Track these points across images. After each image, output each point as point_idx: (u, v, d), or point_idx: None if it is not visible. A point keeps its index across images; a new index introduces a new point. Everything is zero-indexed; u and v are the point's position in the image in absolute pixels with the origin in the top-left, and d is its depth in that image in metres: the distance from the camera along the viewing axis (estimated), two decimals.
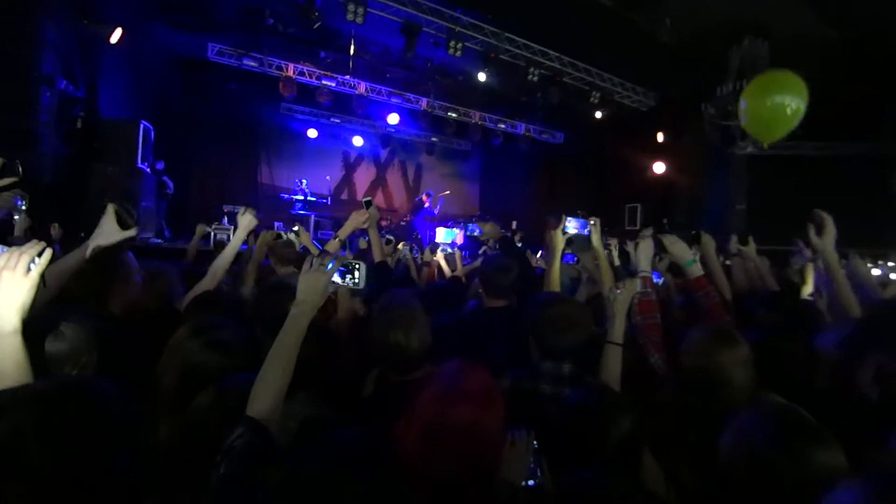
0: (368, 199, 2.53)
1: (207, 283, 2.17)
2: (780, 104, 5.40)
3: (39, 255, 1.10)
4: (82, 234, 5.11)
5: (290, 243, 3.11)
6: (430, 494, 1.06)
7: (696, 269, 1.99)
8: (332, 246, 2.38)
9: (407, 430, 1.18)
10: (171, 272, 2.19)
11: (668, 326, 1.90)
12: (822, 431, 0.96)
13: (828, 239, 2.05)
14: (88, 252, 1.61)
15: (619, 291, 1.69)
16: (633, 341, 1.81)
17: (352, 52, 8.79)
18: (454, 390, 1.19)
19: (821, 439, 0.95)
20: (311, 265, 1.25)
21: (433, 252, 4.71)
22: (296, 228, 3.54)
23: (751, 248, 2.89)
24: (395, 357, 1.52)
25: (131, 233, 1.65)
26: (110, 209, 1.67)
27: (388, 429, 1.19)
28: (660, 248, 2.05)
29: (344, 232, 2.42)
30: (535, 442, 1.15)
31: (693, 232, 2.63)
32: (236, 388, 1.15)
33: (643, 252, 1.97)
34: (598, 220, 2.29)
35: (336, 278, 1.32)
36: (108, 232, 1.65)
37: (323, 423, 1.30)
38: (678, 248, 2.02)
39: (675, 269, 2.75)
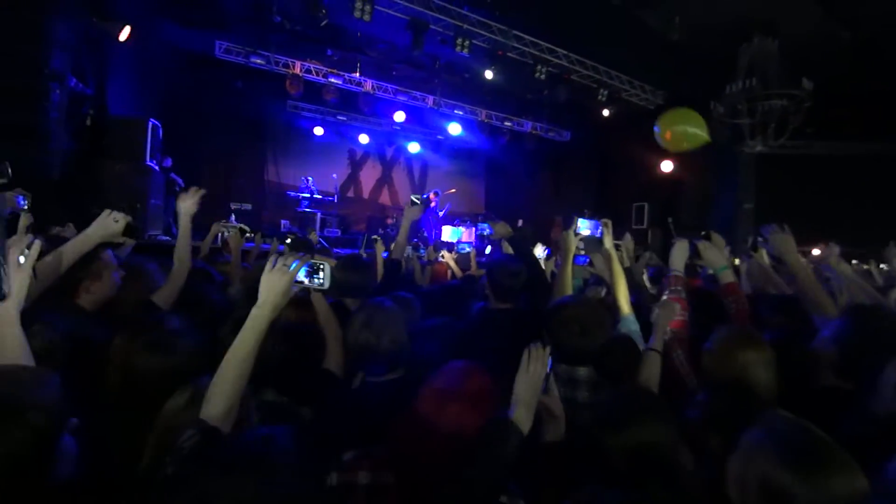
0: (421, 196, 2.60)
1: (178, 267, 2.14)
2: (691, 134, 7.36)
3: (29, 247, 1.11)
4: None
5: (303, 242, 3.11)
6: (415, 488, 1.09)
7: (728, 276, 2.03)
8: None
9: (402, 427, 1.20)
10: (151, 267, 2.18)
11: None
12: (839, 453, 0.90)
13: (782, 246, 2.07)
14: (90, 247, 1.64)
15: (661, 309, 1.78)
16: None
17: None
18: (449, 392, 1.22)
19: (840, 463, 0.88)
20: (274, 265, 1.21)
21: (437, 250, 4.72)
22: (289, 241, 3.53)
23: (760, 256, 2.91)
24: (367, 358, 1.55)
25: (130, 241, 1.70)
26: (122, 220, 1.76)
27: (366, 426, 1.21)
28: (694, 252, 2.11)
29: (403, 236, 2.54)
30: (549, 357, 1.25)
31: (703, 232, 2.64)
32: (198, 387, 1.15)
33: (678, 253, 2.05)
34: (609, 222, 2.28)
35: (301, 278, 1.29)
36: (113, 233, 1.75)
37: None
38: (712, 253, 2.08)
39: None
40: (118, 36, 6.64)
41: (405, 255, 4.19)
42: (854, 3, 6.87)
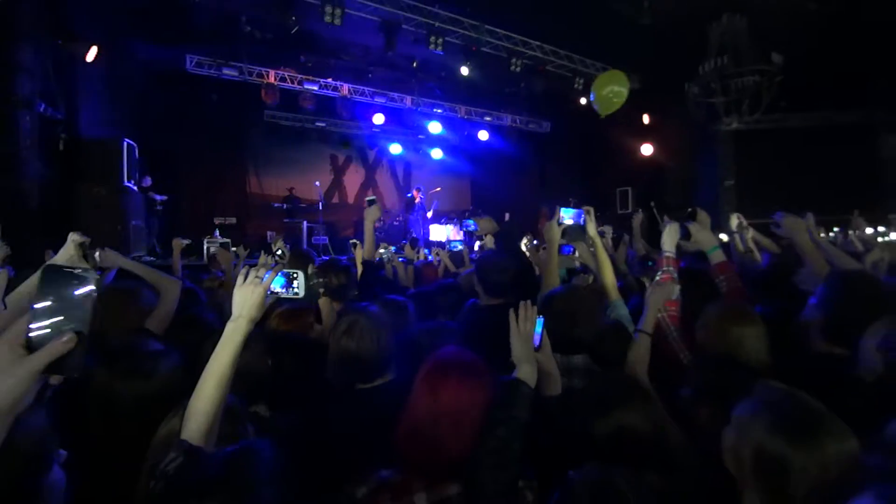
0: (372, 198, 2.57)
1: (166, 295, 2.12)
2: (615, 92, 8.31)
3: None
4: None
5: (299, 256, 3.08)
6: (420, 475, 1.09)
7: (718, 255, 2.09)
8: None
9: (405, 416, 1.20)
10: (144, 291, 2.12)
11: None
12: (830, 418, 0.92)
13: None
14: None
15: (655, 288, 1.81)
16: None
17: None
18: (444, 366, 1.23)
19: (831, 427, 0.90)
20: (246, 277, 1.20)
21: (413, 247, 4.69)
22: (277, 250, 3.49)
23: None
24: (351, 365, 1.54)
25: (87, 269, 1.64)
26: (73, 242, 1.67)
27: (356, 435, 1.20)
28: (685, 234, 2.15)
29: (369, 237, 2.50)
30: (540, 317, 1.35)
31: (689, 209, 2.67)
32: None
33: (669, 235, 2.09)
34: (592, 209, 2.30)
35: (276, 288, 1.27)
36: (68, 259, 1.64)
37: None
38: (703, 235, 2.14)
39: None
40: (86, 57, 6.52)
41: (386, 257, 4.19)
42: None
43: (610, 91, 8.34)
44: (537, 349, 1.34)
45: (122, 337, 1.82)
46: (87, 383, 1.32)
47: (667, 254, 2.05)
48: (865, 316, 1.41)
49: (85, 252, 1.72)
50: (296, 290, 1.32)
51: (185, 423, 1.02)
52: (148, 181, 7.97)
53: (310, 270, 1.49)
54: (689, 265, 2.38)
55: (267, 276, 1.21)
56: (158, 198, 8.18)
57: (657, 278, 2.00)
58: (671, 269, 2.01)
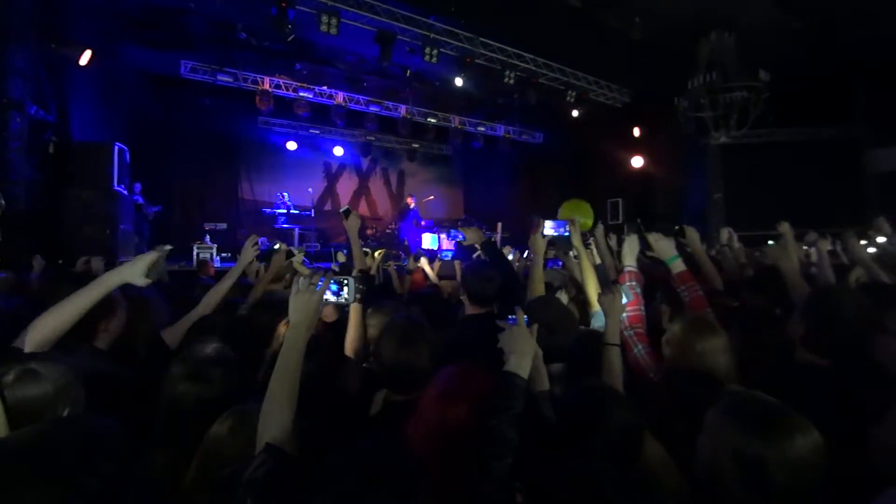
0: (346, 208, 2.55)
1: (201, 311, 2.11)
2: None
3: None
4: (60, 262, 5.00)
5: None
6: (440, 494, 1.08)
7: (678, 265, 2.06)
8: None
9: (414, 435, 1.21)
10: (156, 299, 2.11)
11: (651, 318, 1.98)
12: (795, 416, 0.97)
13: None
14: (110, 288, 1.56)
15: (610, 296, 1.75)
16: (620, 333, 1.85)
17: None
18: (455, 392, 1.24)
19: (798, 424, 0.95)
20: (300, 286, 1.25)
21: (417, 260, 4.74)
22: (276, 246, 3.48)
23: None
24: (405, 376, 1.50)
25: (148, 281, 1.61)
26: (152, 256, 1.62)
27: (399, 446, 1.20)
28: (645, 245, 2.12)
29: (356, 248, 2.50)
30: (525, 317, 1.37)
31: (677, 227, 2.71)
32: (252, 413, 1.14)
33: (629, 248, 2.05)
34: (576, 220, 2.32)
35: (328, 295, 1.32)
36: (135, 273, 1.58)
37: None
38: (662, 245, 2.10)
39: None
40: (79, 60, 6.50)
41: (384, 264, 4.20)
42: None
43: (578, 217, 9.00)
44: None
45: (140, 345, 1.82)
46: (128, 390, 1.35)
47: (628, 268, 2.01)
48: (844, 330, 1.45)
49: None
50: (346, 295, 1.38)
51: (261, 431, 1.05)
52: (138, 187, 7.92)
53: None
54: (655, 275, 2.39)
55: (321, 283, 1.27)
56: (151, 210, 8.11)
57: (605, 288, 1.97)
58: (634, 283, 1.96)
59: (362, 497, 0.74)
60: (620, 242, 2.11)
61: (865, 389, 1.31)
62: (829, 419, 0.99)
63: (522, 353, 1.29)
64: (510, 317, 1.40)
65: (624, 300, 1.80)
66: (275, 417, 1.06)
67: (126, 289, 1.71)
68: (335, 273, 1.39)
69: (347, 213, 2.48)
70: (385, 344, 1.53)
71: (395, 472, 0.78)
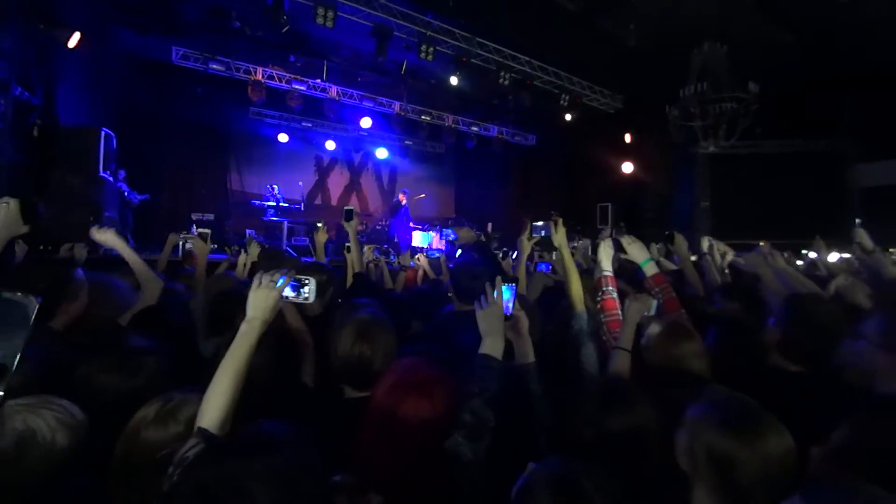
0: (349, 209, 2.58)
1: (146, 300, 2.10)
2: None
3: None
4: (41, 247, 4.91)
5: (272, 256, 3.03)
6: (390, 484, 1.11)
7: (651, 268, 2.11)
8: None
9: (366, 425, 1.23)
10: (118, 284, 2.10)
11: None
12: (770, 418, 1.01)
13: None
14: None
15: (632, 303, 1.80)
16: (598, 336, 1.93)
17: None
18: (405, 383, 1.25)
19: (771, 425, 1.00)
20: (261, 282, 1.27)
21: (412, 256, 4.73)
22: (246, 240, 3.44)
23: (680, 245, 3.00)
24: (359, 372, 1.49)
25: (24, 229, 1.59)
26: (14, 203, 1.57)
27: (346, 444, 1.23)
28: (619, 249, 2.16)
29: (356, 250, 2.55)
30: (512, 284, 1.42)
31: (667, 232, 2.79)
32: (180, 402, 1.16)
33: (604, 252, 2.08)
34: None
35: (288, 293, 1.33)
36: (10, 224, 1.56)
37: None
38: (634, 248, 2.15)
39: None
40: (67, 43, 6.37)
41: (374, 260, 4.19)
42: (793, 6, 7.31)
43: None
44: (508, 317, 1.40)
45: (94, 328, 1.80)
46: (70, 375, 1.32)
47: (605, 273, 2.03)
48: (819, 337, 1.49)
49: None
50: (306, 295, 1.38)
51: (201, 416, 1.07)
52: (122, 174, 7.78)
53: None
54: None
55: (281, 280, 1.28)
56: (137, 199, 7.96)
57: (632, 294, 2.02)
58: (611, 288, 1.99)
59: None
60: (595, 248, 2.16)
61: (833, 398, 1.36)
62: (799, 425, 1.02)
63: (494, 333, 1.32)
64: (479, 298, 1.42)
65: (652, 311, 1.83)
66: (213, 406, 1.08)
67: (90, 273, 1.70)
68: (295, 273, 1.39)
69: (350, 214, 2.51)
70: (339, 337, 1.53)
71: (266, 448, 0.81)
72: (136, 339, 1.49)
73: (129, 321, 1.99)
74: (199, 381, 1.17)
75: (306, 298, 1.39)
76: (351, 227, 2.47)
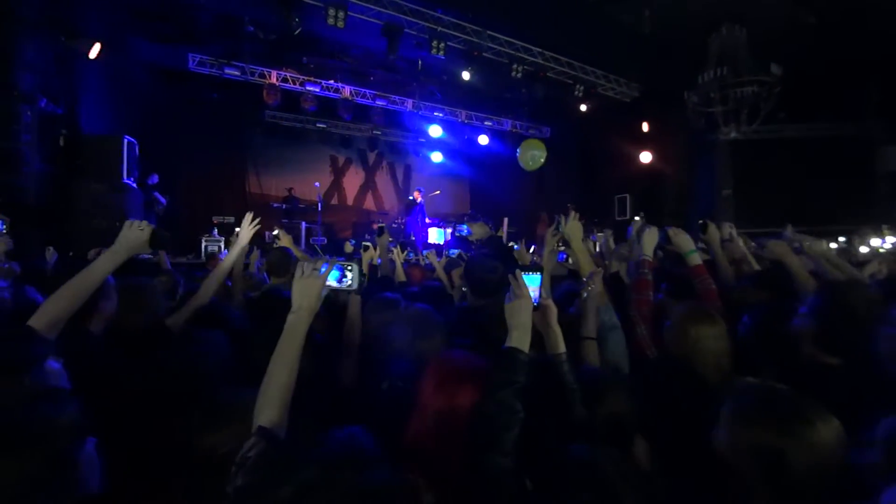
0: (381, 225, 2.68)
1: (201, 298, 2.15)
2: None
3: None
4: (70, 254, 5.06)
5: (285, 254, 3.06)
6: (441, 482, 1.08)
7: (695, 259, 2.16)
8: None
9: (417, 421, 1.22)
10: (153, 286, 2.13)
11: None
12: (814, 405, 0.96)
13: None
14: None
15: (587, 293, 1.84)
16: (626, 315, 1.96)
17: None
18: (455, 374, 1.25)
19: (817, 413, 0.94)
20: (304, 271, 1.26)
21: (439, 256, 4.76)
22: (276, 233, 3.53)
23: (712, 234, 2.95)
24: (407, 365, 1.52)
25: (147, 250, 1.67)
26: (147, 228, 1.64)
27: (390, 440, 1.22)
28: (664, 238, 2.22)
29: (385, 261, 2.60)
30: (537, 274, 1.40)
31: (701, 221, 2.75)
32: (226, 404, 1.17)
33: (648, 239, 2.15)
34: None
35: (330, 281, 1.32)
36: (141, 245, 1.64)
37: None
38: (681, 238, 2.21)
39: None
40: (88, 53, 6.53)
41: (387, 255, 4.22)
42: None
43: (530, 155, 11.15)
44: (536, 307, 1.38)
45: (139, 331, 1.84)
46: (119, 377, 1.37)
47: (644, 257, 2.11)
48: (859, 326, 1.43)
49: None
50: (349, 282, 1.38)
51: (258, 414, 1.06)
52: (155, 179, 7.98)
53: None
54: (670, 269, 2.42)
55: (324, 269, 1.27)
56: (161, 201, 8.16)
57: (635, 279, 2.08)
58: (647, 270, 2.07)
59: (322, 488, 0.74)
60: (640, 232, 2.19)
61: (875, 391, 1.30)
62: (841, 421, 0.97)
63: (521, 325, 1.29)
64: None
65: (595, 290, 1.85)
66: (269, 403, 1.07)
67: (119, 277, 1.75)
68: (337, 261, 1.40)
69: (381, 230, 2.60)
70: (397, 334, 1.57)
71: (355, 464, 0.78)
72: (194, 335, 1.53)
73: (185, 320, 2.04)
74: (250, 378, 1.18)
75: (350, 286, 1.39)
76: (381, 242, 2.55)
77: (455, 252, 5.27)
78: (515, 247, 3.61)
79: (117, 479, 1.07)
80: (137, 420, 1.28)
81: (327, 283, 1.29)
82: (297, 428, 1.08)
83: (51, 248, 3.54)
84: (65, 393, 1.13)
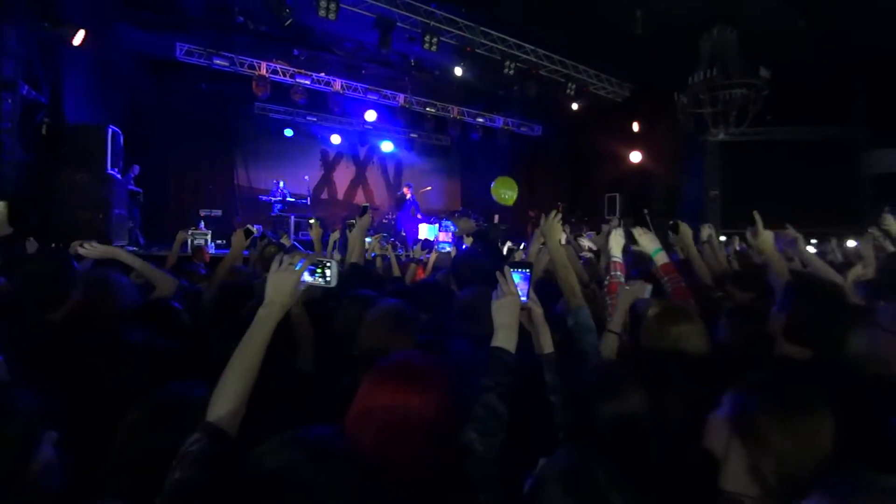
0: (366, 206, 2.63)
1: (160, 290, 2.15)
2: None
3: None
4: (53, 245, 4.96)
5: (279, 249, 3.03)
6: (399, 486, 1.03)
7: (661, 258, 2.16)
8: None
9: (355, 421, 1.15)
10: (118, 277, 2.07)
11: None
12: (813, 394, 0.99)
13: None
14: None
15: (627, 288, 1.87)
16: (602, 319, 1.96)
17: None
18: (384, 376, 1.12)
19: (816, 403, 0.98)
20: (280, 264, 1.22)
21: (423, 249, 4.74)
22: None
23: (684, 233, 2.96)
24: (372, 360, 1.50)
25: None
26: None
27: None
28: (630, 239, 2.22)
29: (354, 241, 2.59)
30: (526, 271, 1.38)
31: (671, 222, 2.80)
32: (180, 395, 1.14)
33: (615, 241, 2.15)
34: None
35: (307, 277, 1.28)
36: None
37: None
38: (645, 238, 2.21)
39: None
40: (72, 40, 6.38)
41: (380, 250, 4.20)
42: None
43: (504, 193, 11.98)
44: (525, 305, 1.35)
45: (104, 321, 1.80)
46: (81, 370, 1.33)
47: (614, 259, 2.12)
48: (826, 318, 1.46)
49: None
50: (327, 278, 1.34)
51: (213, 406, 1.02)
52: (136, 170, 7.83)
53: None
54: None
55: (301, 264, 1.23)
56: (139, 191, 7.99)
57: (607, 283, 2.09)
58: (619, 273, 2.08)
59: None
60: (608, 234, 2.20)
61: (847, 386, 1.32)
62: None
63: (507, 325, 1.26)
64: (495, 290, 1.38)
65: (646, 295, 1.89)
66: (223, 398, 1.03)
67: (95, 269, 1.72)
68: (316, 256, 1.36)
69: (364, 210, 2.55)
70: (364, 326, 1.55)
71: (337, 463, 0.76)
72: (134, 333, 1.49)
73: (137, 312, 1.96)
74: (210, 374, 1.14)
75: (328, 282, 1.34)
76: (360, 223, 2.49)
77: (445, 248, 5.26)
78: (509, 244, 3.63)
79: (78, 476, 1.03)
80: (92, 410, 1.25)
81: (305, 278, 1.25)
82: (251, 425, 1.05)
83: (31, 239, 3.45)
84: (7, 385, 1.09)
